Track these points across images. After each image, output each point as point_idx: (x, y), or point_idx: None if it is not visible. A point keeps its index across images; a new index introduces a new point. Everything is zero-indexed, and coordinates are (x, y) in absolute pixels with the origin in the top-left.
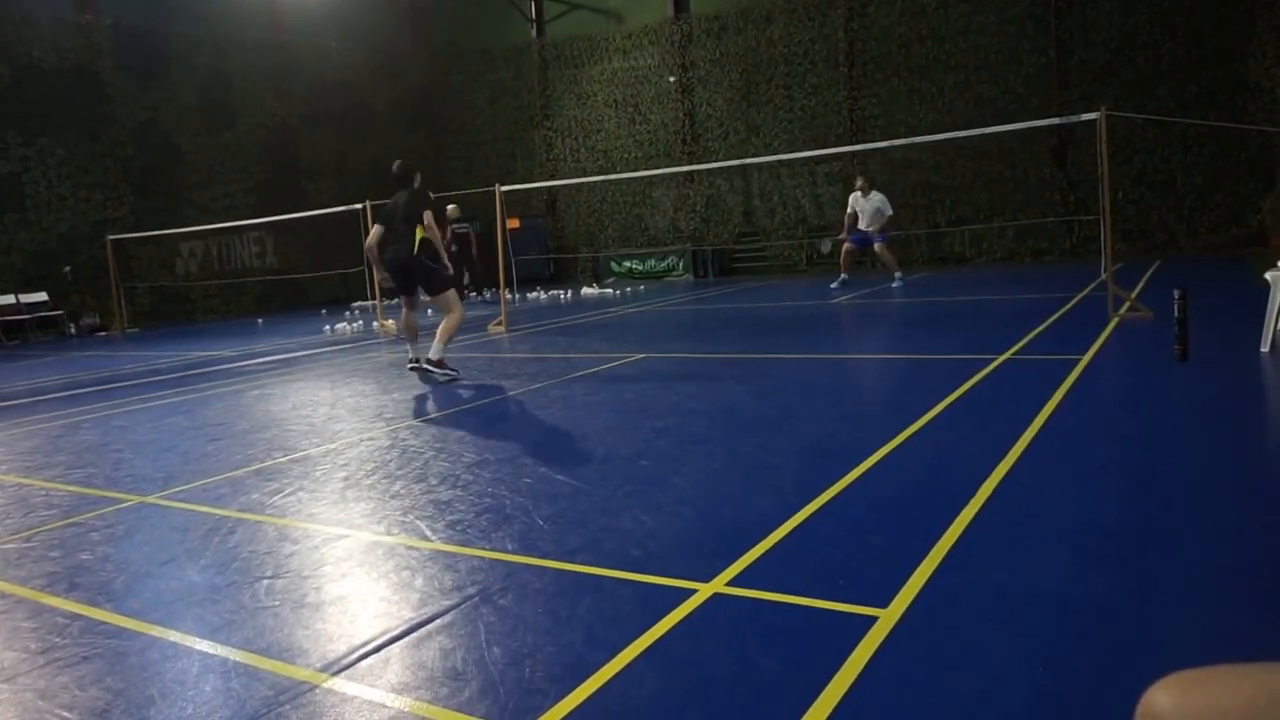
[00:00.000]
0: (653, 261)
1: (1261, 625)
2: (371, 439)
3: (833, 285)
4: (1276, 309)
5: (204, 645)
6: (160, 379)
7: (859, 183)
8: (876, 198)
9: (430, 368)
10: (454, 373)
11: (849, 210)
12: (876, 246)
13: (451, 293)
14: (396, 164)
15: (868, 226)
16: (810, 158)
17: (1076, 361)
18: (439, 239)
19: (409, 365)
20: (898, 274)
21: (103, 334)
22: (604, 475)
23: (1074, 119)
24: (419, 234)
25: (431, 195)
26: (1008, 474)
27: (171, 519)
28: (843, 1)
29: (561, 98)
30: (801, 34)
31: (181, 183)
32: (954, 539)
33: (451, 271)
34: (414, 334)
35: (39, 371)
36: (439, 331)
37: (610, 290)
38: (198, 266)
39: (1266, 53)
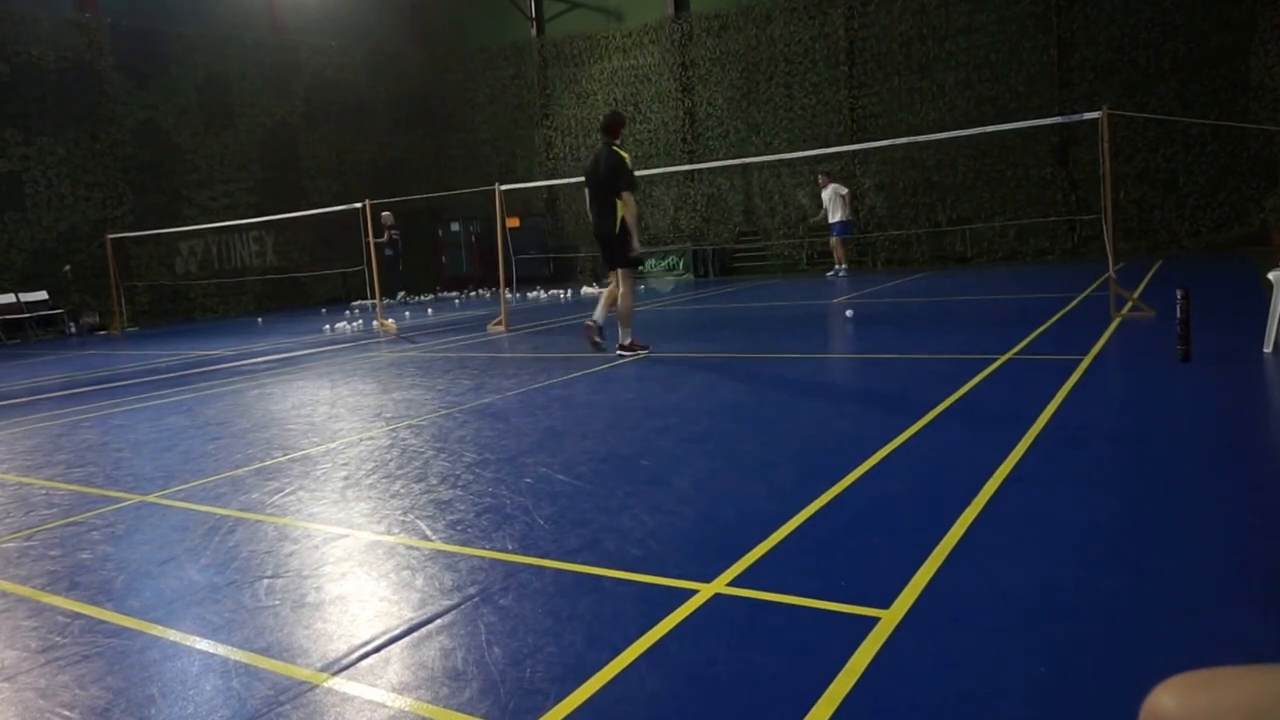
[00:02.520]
0: (653, 261)
1: (1263, 625)
2: (371, 438)
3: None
4: (1279, 309)
5: (204, 644)
6: (160, 378)
7: (820, 179)
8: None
9: (624, 353)
10: (646, 349)
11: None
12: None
13: (629, 271)
14: (605, 114)
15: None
16: (811, 157)
17: (1079, 361)
18: (635, 215)
19: (617, 350)
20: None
21: (102, 333)
22: (604, 475)
23: (1076, 118)
24: (620, 209)
25: (629, 159)
26: (1010, 474)
27: (171, 518)
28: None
29: (561, 96)
30: (802, 32)
31: (181, 182)
32: (956, 539)
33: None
34: (612, 304)
35: (39, 370)
36: (619, 316)
37: None
38: (197, 265)
39: (1269, 51)
